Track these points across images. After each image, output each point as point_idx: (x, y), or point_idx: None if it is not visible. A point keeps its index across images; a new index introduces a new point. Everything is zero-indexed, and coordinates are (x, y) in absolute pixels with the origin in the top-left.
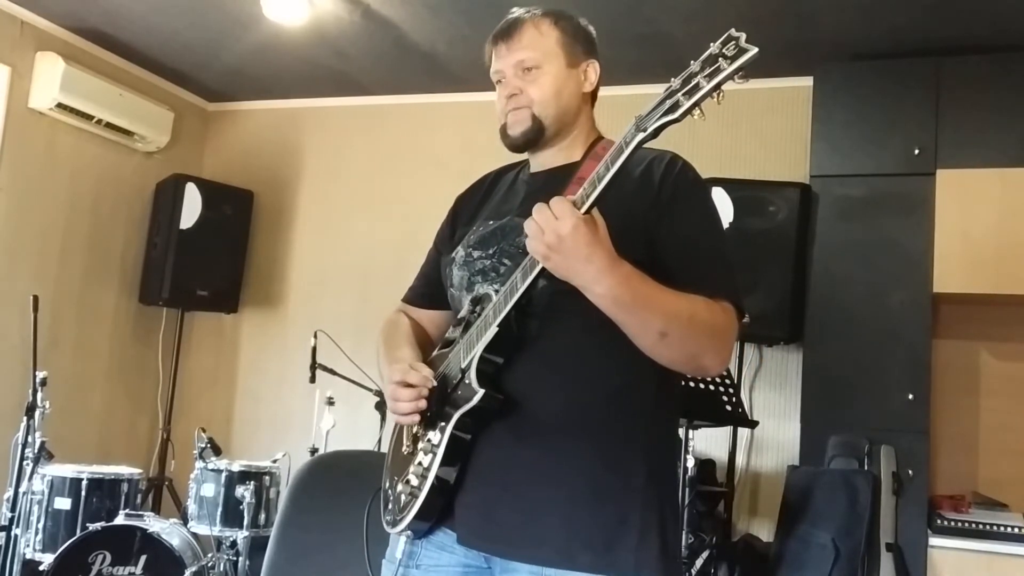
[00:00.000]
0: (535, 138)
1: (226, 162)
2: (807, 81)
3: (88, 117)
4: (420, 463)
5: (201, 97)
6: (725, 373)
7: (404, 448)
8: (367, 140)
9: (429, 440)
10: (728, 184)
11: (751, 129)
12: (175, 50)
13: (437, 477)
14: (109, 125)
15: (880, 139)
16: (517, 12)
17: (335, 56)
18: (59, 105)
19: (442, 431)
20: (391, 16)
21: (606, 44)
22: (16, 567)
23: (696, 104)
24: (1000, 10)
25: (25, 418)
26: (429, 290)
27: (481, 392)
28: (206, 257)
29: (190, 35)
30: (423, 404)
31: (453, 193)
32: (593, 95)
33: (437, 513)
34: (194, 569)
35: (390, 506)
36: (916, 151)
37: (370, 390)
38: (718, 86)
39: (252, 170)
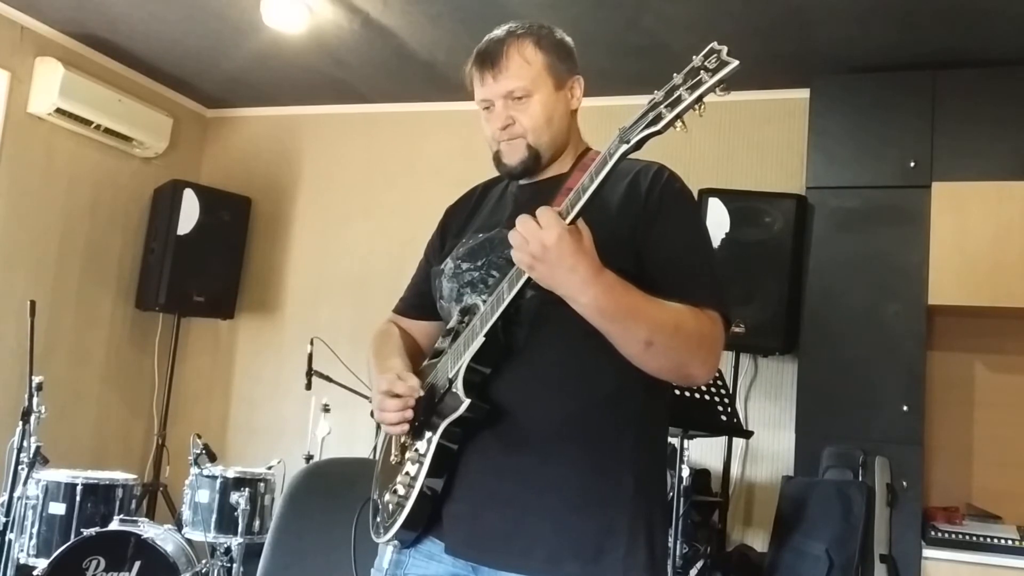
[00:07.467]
0: (533, 166)
1: (224, 168)
2: (804, 93)
3: (87, 122)
4: (407, 472)
5: (200, 103)
6: (720, 383)
7: (393, 458)
8: (365, 148)
9: (416, 450)
10: (724, 195)
11: (748, 140)
12: (175, 57)
13: (424, 486)
14: (108, 131)
15: (876, 151)
16: (498, 32)
17: (334, 64)
18: (58, 110)
19: (429, 441)
20: (390, 25)
21: (606, 55)
22: (10, 572)
23: (678, 116)
24: (996, 24)
25: (21, 423)
26: (419, 301)
27: (467, 402)
28: (203, 263)
29: (190, 42)
30: (410, 414)
31: (451, 201)
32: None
33: (424, 522)
34: (188, 575)
35: (378, 516)
36: (912, 163)
37: (366, 397)
38: (699, 98)
39: (250, 177)
